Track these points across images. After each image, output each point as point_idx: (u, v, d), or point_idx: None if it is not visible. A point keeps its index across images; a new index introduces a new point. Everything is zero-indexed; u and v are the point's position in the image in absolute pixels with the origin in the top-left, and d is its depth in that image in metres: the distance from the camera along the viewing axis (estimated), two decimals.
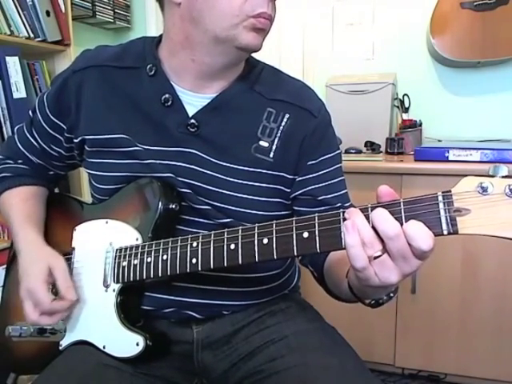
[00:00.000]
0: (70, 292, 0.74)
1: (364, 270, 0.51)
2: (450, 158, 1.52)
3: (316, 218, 0.57)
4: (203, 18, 0.69)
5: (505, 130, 1.84)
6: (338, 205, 0.79)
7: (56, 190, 0.96)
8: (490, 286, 1.51)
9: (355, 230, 0.51)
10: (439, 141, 1.82)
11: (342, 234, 0.53)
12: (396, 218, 0.50)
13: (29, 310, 0.74)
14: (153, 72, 0.77)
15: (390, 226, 0.49)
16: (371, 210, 0.52)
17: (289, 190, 0.79)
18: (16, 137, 0.89)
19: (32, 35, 1.65)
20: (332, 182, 0.80)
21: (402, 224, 0.50)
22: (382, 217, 0.50)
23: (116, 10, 2.17)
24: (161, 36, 0.79)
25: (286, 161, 0.77)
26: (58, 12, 1.75)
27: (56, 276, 0.74)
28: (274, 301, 0.85)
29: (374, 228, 0.51)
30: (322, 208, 0.78)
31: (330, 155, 0.80)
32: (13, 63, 1.58)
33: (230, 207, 0.76)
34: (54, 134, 0.84)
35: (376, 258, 0.51)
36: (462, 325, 1.55)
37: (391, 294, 0.61)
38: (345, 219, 0.54)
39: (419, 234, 0.48)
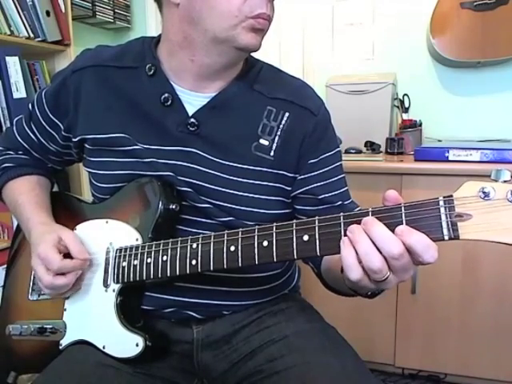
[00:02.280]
0: (82, 253, 0.74)
1: (360, 281, 0.52)
2: (450, 158, 1.51)
3: (316, 220, 0.57)
4: (202, 18, 0.69)
5: (505, 130, 1.84)
6: (339, 203, 0.79)
7: (55, 189, 0.96)
8: (490, 286, 1.50)
9: (351, 246, 0.52)
10: (439, 141, 1.82)
11: (341, 243, 0.53)
12: (397, 223, 0.51)
13: (42, 273, 0.73)
14: (152, 72, 0.77)
15: (394, 248, 0.49)
16: (372, 214, 0.53)
17: (289, 189, 0.79)
18: (15, 129, 0.89)
19: (32, 35, 1.65)
20: (332, 180, 0.80)
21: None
22: (384, 237, 0.50)
23: (116, 10, 2.17)
24: (160, 36, 0.79)
25: (287, 159, 0.77)
26: (58, 12, 1.75)
27: (66, 242, 0.75)
28: (274, 301, 0.85)
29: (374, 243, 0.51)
30: (323, 207, 0.78)
31: (330, 153, 0.80)
32: (13, 63, 1.58)
33: (231, 205, 0.76)
34: (50, 130, 0.84)
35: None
36: (462, 325, 1.55)
37: None
38: (345, 223, 0.54)
39: (425, 248, 0.49)
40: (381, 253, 0.50)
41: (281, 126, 0.77)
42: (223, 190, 0.75)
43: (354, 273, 0.52)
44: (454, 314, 1.55)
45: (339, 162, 0.82)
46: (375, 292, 0.65)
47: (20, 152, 0.89)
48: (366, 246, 0.50)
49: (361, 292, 0.65)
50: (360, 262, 0.51)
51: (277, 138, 0.77)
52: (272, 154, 0.77)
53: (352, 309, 1.64)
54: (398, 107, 1.97)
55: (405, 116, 1.96)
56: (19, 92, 1.60)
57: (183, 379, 0.79)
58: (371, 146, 1.81)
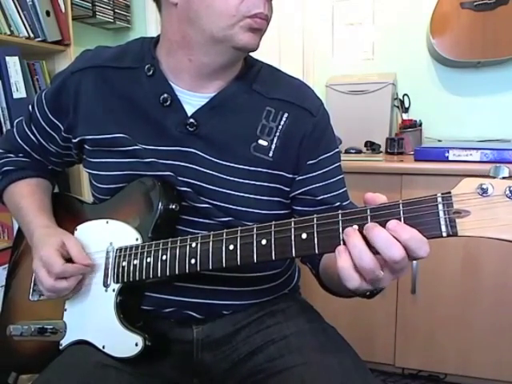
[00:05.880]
0: (84, 258, 0.74)
1: (358, 289, 0.53)
2: (450, 158, 1.51)
3: (315, 219, 0.57)
4: (200, 18, 0.69)
5: (505, 130, 1.84)
6: (337, 204, 0.79)
7: (56, 190, 0.96)
8: (491, 285, 1.50)
9: (347, 253, 0.52)
10: (439, 141, 1.82)
11: (336, 252, 0.53)
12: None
13: (43, 276, 0.73)
14: (151, 72, 0.77)
15: (396, 253, 0.49)
16: (370, 212, 0.53)
17: (288, 189, 0.79)
18: (15, 131, 0.89)
19: (32, 35, 1.66)
20: (331, 181, 0.80)
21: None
22: (387, 242, 0.50)
23: (116, 10, 2.17)
24: (159, 36, 0.79)
25: (286, 160, 0.77)
26: (58, 12, 1.75)
27: (69, 248, 0.75)
28: (274, 301, 0.85)
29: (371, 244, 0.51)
30: (322, 207, 0.78)
31: (329, 154, 0.80)
32: (13, 63, 1.58)
33: (230, 206, 0.76)
34: (50, 132, 0.84)
35: None
36: (462, 325, 1.55)
37: None
38: (343, 221, 0.54)
39: (419, 244, 0.49)
40: (374, 253, 0.51)
41: (280, 126, 0.77)
42: (222, 190, 0.75)
43: (352, 282, 0.52)
44: (454, 313, 1.55)
45: (338, 163, 0.82)
46: (373, 292, 0.65)
47: (20, 154, 0.89)
48: (359, 247, 0.51)
49: (359, 293, 0.65)
50: (355, 267, 0.52)
51: (276, 138, 0.77)
52: (271, 154, 0.77)
53: (352, 309, 1.64)
54: (398, 107, 1.97)
55: (405, 116, 1.96)
56: (19, 92, 1.60)
57: (183, 379, 0.79)
58: (371, 146, 1.81)
